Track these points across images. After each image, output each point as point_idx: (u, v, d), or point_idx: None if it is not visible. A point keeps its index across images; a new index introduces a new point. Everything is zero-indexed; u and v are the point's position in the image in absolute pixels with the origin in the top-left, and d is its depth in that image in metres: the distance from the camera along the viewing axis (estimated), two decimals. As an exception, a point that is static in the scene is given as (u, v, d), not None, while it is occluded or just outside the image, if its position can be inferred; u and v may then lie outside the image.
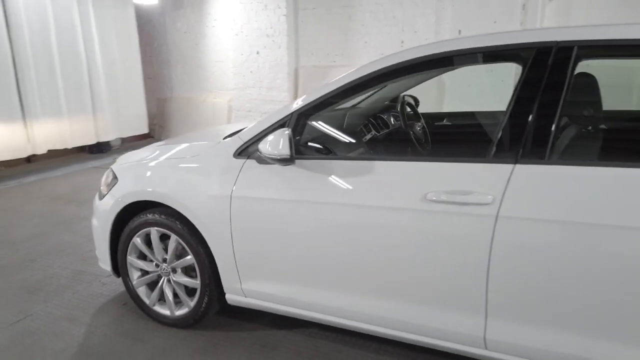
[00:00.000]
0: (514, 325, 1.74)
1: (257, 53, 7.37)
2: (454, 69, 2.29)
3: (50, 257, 3.52)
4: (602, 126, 2.01)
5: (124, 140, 8.18)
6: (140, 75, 7.89)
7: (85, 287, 3.01)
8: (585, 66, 1.85)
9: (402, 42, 6.53)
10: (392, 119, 3.09)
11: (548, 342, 1.70)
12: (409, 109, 3.25)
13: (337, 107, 2.58)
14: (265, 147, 2.00)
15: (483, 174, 1.73)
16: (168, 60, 8.61)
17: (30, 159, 6.98)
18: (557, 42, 1.69)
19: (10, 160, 6.20)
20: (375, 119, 3.13)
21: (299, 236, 2.05)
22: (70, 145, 6.80)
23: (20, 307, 2.79)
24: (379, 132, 3.06)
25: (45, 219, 4.42)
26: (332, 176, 1.99)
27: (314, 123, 2.31)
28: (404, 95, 3.42)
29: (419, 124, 3.15)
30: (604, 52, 1.70)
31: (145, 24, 8.58)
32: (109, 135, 7.46)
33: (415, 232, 1.81)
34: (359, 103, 3.36)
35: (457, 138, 3.22)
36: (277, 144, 1.95)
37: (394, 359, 2.22)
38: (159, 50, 8.66)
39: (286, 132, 1.96)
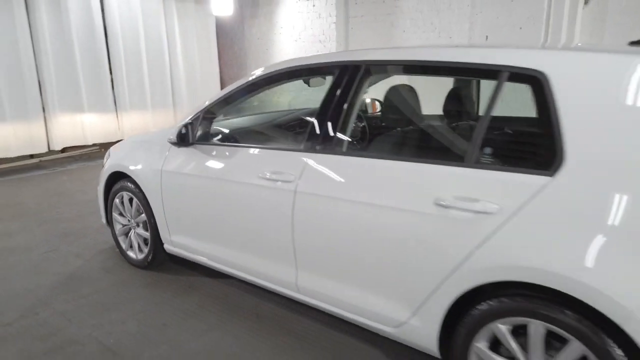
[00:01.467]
0: (316, 277, 2.27)
1: (312, 57, 8.12)
2: (308, 79, 2.83)
3: (93, 215, 4.64)
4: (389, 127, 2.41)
5: (202, 132, 9.48)
6: (217, 76, 9.11)
7: (101, 236, 4.04)
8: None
9: (437, 47, 6.80)
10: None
11: (339, 292, 2.20)
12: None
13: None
14: (171, 134, 2.76)
15: (294, 159, 2.28)
16: (245, 63, 9.74)
17: (124, 144, 8.54)
18: (351, 62, 2.19)
19: (105, 143, 7.74)
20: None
21: (195, 201, 2.76)
22: (152, 134, 8.20)
23: (53, 244, 3.88)
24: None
25: (106, 188, 5.65)
26: (214, 157, 2.66)
27: (222, 117, 3.01)
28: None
29: (361, 124, 3.65)
30: (384, 70, 2.15)
31: (229, 30, 9.81)
32: (187, 126, 8.75)
33: (254, 202, 2.42)
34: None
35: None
36: (175, 132, 2.70)
37: (273, 305, 2.82)
38: (238, 54, 9.83)
39: (181, 124, 2.69)
